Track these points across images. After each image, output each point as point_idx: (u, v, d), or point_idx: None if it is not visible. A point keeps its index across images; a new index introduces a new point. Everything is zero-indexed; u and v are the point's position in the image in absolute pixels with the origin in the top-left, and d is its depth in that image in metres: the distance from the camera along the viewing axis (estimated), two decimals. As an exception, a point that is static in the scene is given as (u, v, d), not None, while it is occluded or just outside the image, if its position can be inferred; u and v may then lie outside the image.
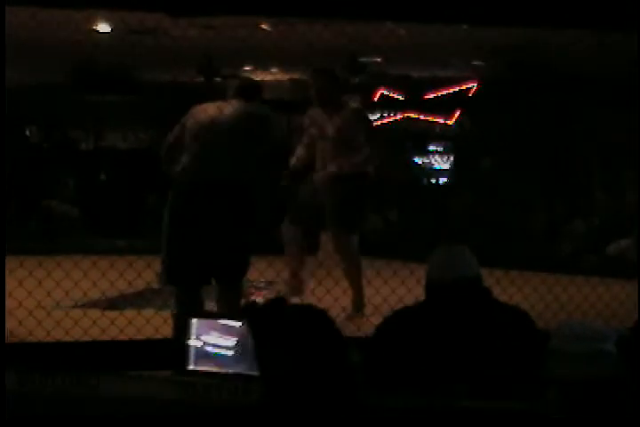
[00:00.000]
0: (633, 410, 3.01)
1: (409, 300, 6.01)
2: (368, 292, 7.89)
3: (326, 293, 7.23)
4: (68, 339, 6.40)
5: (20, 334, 6.42)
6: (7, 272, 6.65)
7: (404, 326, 3.80)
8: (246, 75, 15.81)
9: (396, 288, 7.26)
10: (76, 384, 3.10)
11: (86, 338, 6.50)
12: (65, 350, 5.91)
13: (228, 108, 6.85)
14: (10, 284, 7.03)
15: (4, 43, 4.58)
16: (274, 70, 15.63)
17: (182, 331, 3.96)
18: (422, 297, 4.94)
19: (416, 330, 3.72)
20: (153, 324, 6.88)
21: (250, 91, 7.16)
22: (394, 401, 3.04)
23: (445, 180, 16.67)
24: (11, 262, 6.81)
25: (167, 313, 7.39)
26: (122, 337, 6.58)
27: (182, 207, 6.60)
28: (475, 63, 14.02)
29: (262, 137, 6.82)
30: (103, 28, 11.27)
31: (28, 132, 16.04)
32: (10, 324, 6.41)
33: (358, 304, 7.89)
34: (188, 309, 6.13)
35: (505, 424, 2.87)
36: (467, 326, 3.69)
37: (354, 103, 7.54)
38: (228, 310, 6.48)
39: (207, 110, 6.88)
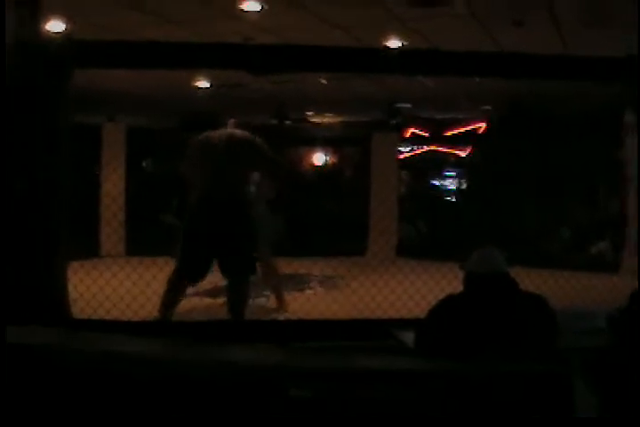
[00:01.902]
0: (621, 371, 2.97)
1: (438, 289, 5.98)
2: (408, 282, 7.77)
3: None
4: (175, 318, 6.43)
5: (141, 315, 6.45)
6: (130, 268, 6.69)
7: (450, 309, 3.78)
8: (308, 119, 15.89)
9: (426, 281, 7.23)
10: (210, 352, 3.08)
11: (186, 319, 6.53)
12: (171, 327, 5.92)
13: (221, 134, 6.79)
14: (133, 277, 7.09)
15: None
16: (328, 115, 15.64)
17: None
18: (447, 286, 4.93)
19: (460, 312, 3.71)
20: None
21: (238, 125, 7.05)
22: (443, 366, 3.00)
23: (458, 198, 16.57)
24: (135, 262, 6.89)
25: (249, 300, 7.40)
26: (214, 318, 6.59)
27: (195, 221, 6.53)
28: (484, 107, 13.96)
29: (250, 157, 6.68)
30: (203, 84, 11.35)
31: (144, 164, 16.17)
32: (134, 307, 6.48)
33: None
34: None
35: (532, 383, 2.82)
36: (499, 309, 3.67)
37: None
38: (235, 299, 6.40)
39: (209, 137, 6.78)
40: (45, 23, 6.07)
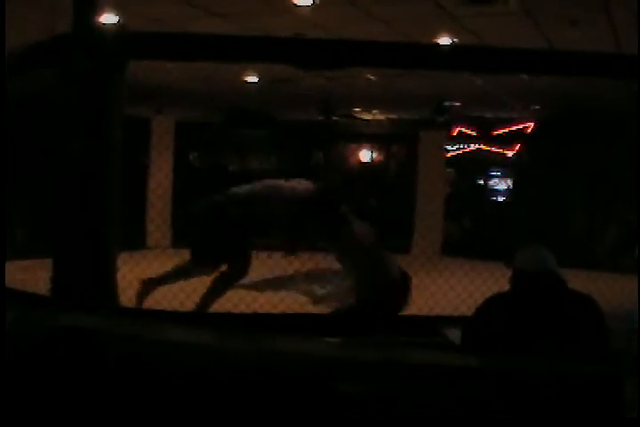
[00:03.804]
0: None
1: (485, 287, 5.95)
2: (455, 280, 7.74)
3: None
4: (220, 310, 6.48)
5: (188, 306, 6.50)
6: (180, 258, 6.76)
7: (498, 307, 3.76)
8: (356, 115, 15.88)
9: (473, 279, 7.21)
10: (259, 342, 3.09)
11: (235, 310, 6.56)
12: (218, 319, 5.95)
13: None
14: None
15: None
16: (375, 111, 15.61)
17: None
18: (494, 285, 4.90)
19: (508, 310, 3.68)
20: (286, 302, 6.93)
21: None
22: (491, 363, 2.98)
23: (504, 198, 16.45)
24: (182, 253, 6.95)
25: (296, 294, 7.43)
26: (260, 310, 6.62)
27: None
28: (533, 107, 13.84)
29: None
30: (252, 79, 11.38)
31: (191, 157, 16.29)
32: (180, 297, 6.54)
33: None
34: None
35: (581, 384, 2.79)
36: (548, 307, 3.64)
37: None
38: None
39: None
40: (100, 15, 6.16)
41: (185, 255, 7.03)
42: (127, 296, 5.96)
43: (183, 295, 6.61)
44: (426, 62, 5.55)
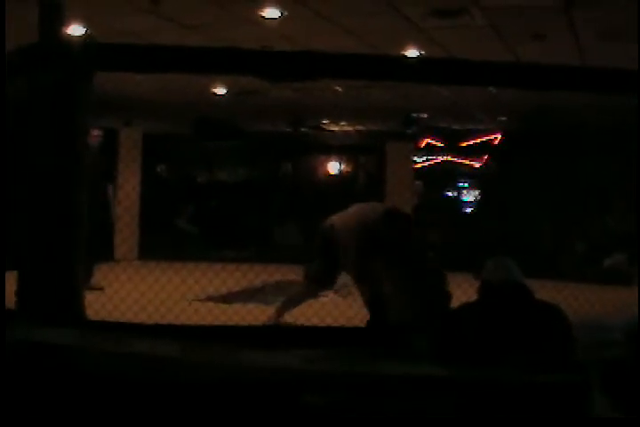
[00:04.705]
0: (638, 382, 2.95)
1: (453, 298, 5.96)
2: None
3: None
4: (188, 323, 6.43)
5: (156, 318, 6.46)
6: (147, 271, 6.72)
7: (465, 317, 3.77)
8: (324, 127, 15.91)
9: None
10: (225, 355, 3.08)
11: (202, 322, 6.52)
12: (186, 332, 5.91)
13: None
14: (148, 280, 7.10)
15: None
16: (343, 123, 15.65)
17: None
18: (462, 296, 4.92)
19: (475, 320, 3.70)
20: (254, 314, 6.90)
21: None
22: (460, 373, 2.99)
23: (472, 209, 16.53)
24: (150, 265, 6.88)
25: (264, 306, 7.41)
26: (229, 323, 6.58)
27: None
28: (499, 118, 13.95)
29: None
30: (220, 91, 11.38)
31: (159, 169, 16.23)
32: (149, 309, 6.49)
33: None
34: None
35: (547, 393, 2.81)
36: (514, 317, 3.66)
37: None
38: None
39: None
40: (66, 25, 6.12)
41: (152, 267, 7.00)
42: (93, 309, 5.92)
43: (151, 308, 6.57)
44: (393, 74, 5.57)
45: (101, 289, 7.85)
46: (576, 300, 7.27)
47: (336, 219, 6.60)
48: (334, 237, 6.43)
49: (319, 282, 6.82)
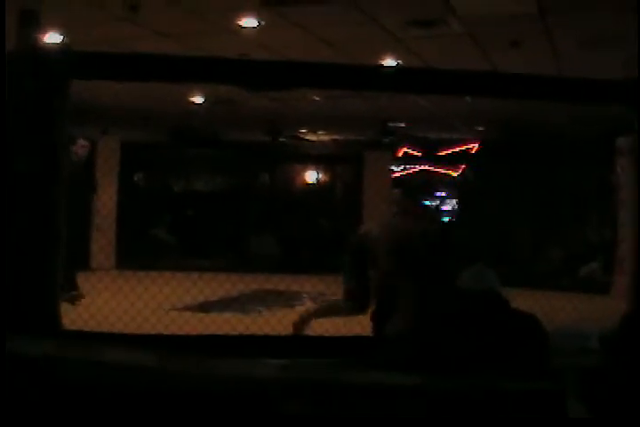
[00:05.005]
0: (613, 391, 2.97)
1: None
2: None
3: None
4: (165, 332, 6.39)
5: (132, 328, 6.42)
6: (124, 281, 6.70)
7: (441, 326, 3.77)
8: (302, 136, 15.93)
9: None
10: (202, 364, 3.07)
11: (180, 332, 6.50)
12: (163, 341, 5.89)
13: None
14: (125, 290, 7.07)
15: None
16: (321, 132, 15.68)
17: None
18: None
19: (451, 329, 3.70)
20: (231, 323, 6.88)
21: None
22: (435, 382, 3.00)
23: (449, 218, 16.59)
24: (127, 275, 6.85)
25: (241, 315, 7.39)
26: (206, 332, 6.55)
27: None
28: (477, 128, 14.03)
29: None
30: (198, 99, 11.37)
31: (136, 178, 16.16)
32: (126, 319, 6.46)
33: None
34: None
35: (523, 401, 2.82)
36: (490, 326, 3.67)
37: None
38: None
39: None
40: (43, 33, 6.08)
41: (129, 276, 6.97)
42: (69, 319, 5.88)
43: (127, 318, 6.54)
44: (371, 84, 5.58)
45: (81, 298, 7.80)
46: (552, 308, 7.31)
47: (369, 228, 6.39)
48: (368, 247, 6.18)
49: (355, 300, 6.31)
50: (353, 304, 6.33)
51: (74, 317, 6.28)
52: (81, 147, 8.76)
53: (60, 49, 5.52)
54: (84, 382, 2.86)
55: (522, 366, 3.45)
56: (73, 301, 7.50)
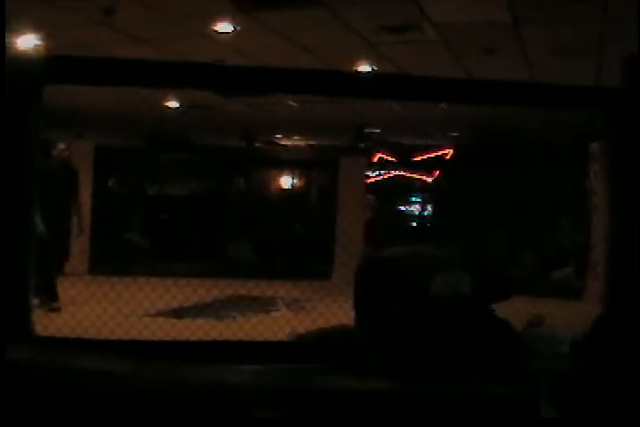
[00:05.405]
0: (585, 395, 3.00)
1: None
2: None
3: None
4: (139, 338, 6.37)
5: (105, 334, 6.40)
6: (96, 286, 6.67)
7: (414, 331, 3.79)
8: (277, 141, 15.96)
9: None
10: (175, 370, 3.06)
11: (153, 338, 6.47)
12: (136, 347, 5.86)
13: None
14: (98, 295, 7.04)
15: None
16: (297, 138, 15.71)
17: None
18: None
19: (423, 334, 3.72)
20: (204, 329, 6.86)
21: None
22: (410, 387, 3.01)
23: (423, 223, 16.66)
24: (99, 280, 6.82)
25: (215, 321, 7.38)
26: (180, 338, 6.53)
27: None
28: (451, 134, 14.11)
29: None
30: (173, 104, 11.36)
31: (110, 182, 16.09)
32: (98, 324, 6.43)
33: None
34: None
35: (496, 405, 2.84)
36: (462, 331, 3.69)
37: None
38: None
39: None
40: (16, 37, 6.08)
41: (102, 282, 6.95)
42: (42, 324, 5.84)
43: (100, 323, 6.51)
44: (345, 90, 5.59)
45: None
46: (526, 313, 7.36)
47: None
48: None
49: None
50: None
51: (46, 323, 6.24)
52: (61, 151, 8.72)
53: (33, 52, 5.51)
54: (56, 390, 2.84)
55: (495, 370, 3.48)
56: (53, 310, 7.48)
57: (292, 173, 17.34)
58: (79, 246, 11.84)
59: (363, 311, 5.75)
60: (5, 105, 4.42)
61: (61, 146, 8.76)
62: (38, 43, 7.27)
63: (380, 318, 5.34)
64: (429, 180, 16.19)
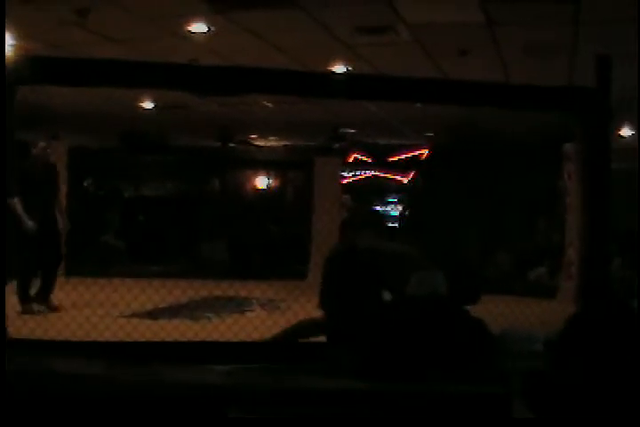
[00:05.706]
0: (558, 394, 3.02)
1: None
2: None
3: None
4: (113, 339, 6.36)
5: (80, 335, 6.37)
6: (71, 288, 6.64)
7: (389, 331, 3.80)
8: (252, 142, 15.93)
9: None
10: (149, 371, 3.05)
11: (128, 339, 6.45)
12: (112, 348, 5.84)
13: None
14: (73, 297, 7.00)
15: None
16: (272, 138, 15.70)
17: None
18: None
19: (398, 334, 3.73)
20: (180, 330, 6.86)
21: None
22: (383, 387, 3.02)
23: (399, 223, 16.68)
24: (73, 282, 6.79)
25: (190, 322, 7.36)
26: (155, 339, 6.52)
27: None
28: (427, 134, 14.15)
29: None
30: (148, 104, 11.32)
31: (85, 183, 16.00)
32: (73, 326, 6.40)
33: None
34: None
35: (469, 405, 2.86)
36: (437, 331, 3.71)
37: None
38: None
39: None
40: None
41: (77, 284, 6.91)
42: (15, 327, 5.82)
43: (74, 325, 6.48)
44: (321, 90, 5.60)
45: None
46: (500, 313, 7.40)
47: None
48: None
49: None
50: None
51: (19, 324, 6.22)
52: (41, 149, 8.67)
53: (7, 53, 5.46)
54: (29, 392, 2.83)
55: (468, 369, 3.50)
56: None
57: (268, 174, 17.32)
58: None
59: (329, 297, 5.80)
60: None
61: (41, 144, 8.71)
62: (12, 43, 7.22)
63: (346, 303, 5.46)
64: (405, 180, 16.22)
